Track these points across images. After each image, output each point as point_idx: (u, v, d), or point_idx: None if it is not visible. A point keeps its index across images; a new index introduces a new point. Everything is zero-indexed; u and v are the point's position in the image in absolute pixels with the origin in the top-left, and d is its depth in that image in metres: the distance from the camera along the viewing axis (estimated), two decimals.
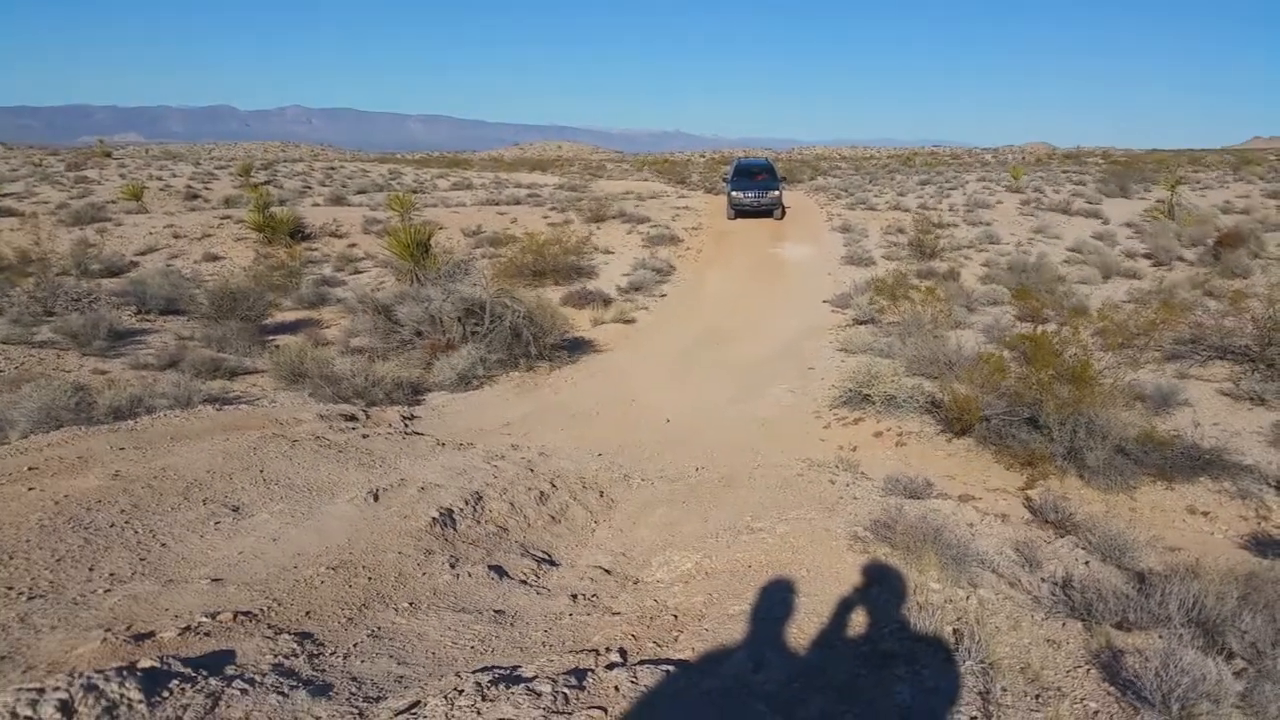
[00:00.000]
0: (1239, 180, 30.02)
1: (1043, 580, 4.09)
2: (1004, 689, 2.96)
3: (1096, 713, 2.86)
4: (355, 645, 3.23)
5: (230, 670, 2.81)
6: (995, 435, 6.79)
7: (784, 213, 23.02)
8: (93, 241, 17.05)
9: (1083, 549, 4.74)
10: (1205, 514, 5.79)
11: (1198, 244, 16.36)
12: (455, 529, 4.60)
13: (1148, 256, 16.22)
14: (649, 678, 2.77)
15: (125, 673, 2.56)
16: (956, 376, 7.64)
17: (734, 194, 22.79)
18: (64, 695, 2.38)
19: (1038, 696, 2.95)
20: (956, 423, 6.94)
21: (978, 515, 5.22)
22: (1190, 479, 6.15)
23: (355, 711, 2.62)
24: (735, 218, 22.51)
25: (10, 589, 3.45)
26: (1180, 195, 22.41)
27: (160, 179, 30.90)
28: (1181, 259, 15.73)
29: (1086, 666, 3.16)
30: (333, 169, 43.59)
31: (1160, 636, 3.31)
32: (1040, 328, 8.85)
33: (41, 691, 2.38)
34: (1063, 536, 5.04)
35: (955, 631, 3.27)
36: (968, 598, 3.62)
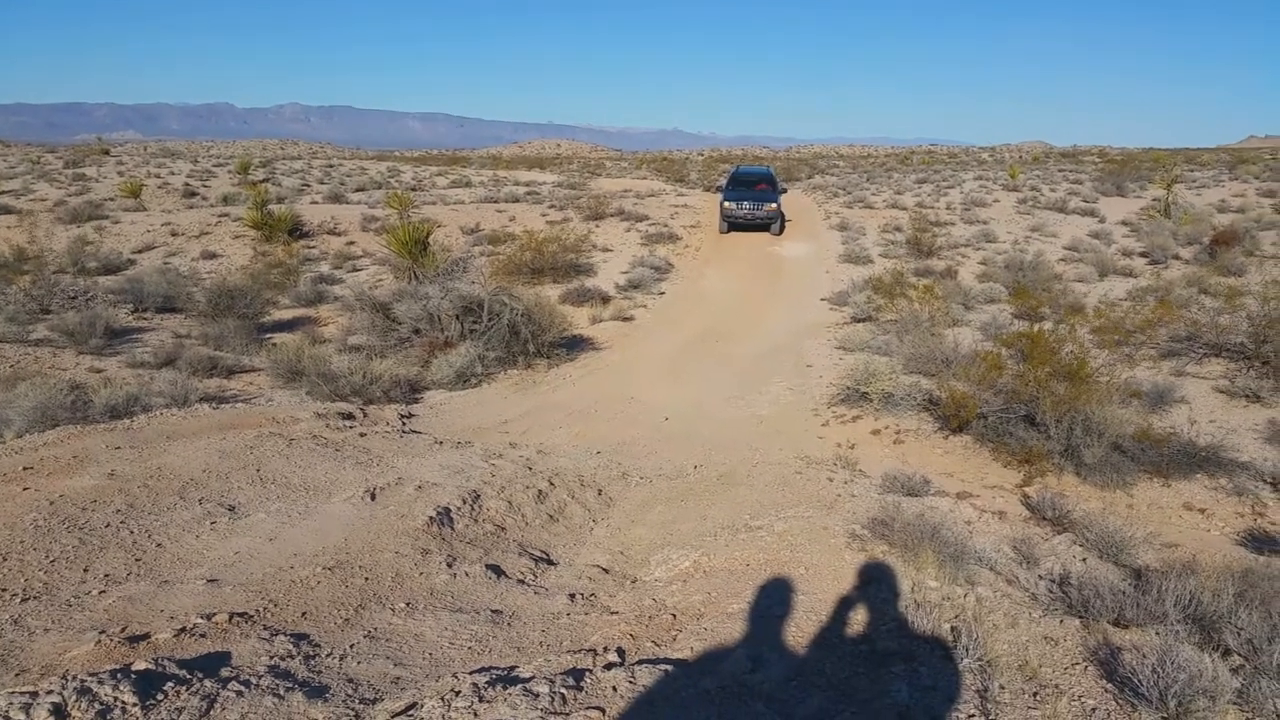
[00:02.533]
0: (1234, 179, 29.99)
1: (1040, 578, 4.08)
2: (1002, 686, 2.96)
3: (1094, 710, 2.86)
4: (352, 646, 3.22)
5: (226, 672, 2.80)
6: (992, 433, 6.79)
7: (783, 227, 20.63)
8: (90, 239, 17.01)
9: (1080, 546, 4.75)
10: (1202, 511, 5.80)
11: (1193, 242, 16.37)
12: (453, 528, 4.59)
13: (1144, 255, 16.23)
14: (647, 677, 2.76)
15: (119, 675, 2.54)
16: (954, 374, 7.64)
17: (726, 204, 20.33)
18: (57, 699, 2.36)
19: (1035, 694, 2.95)
20: (954, 420, 6.94)
21: (975, 513, 5.22)
22: (1187, 476, 6.16)
23: (351, 713, 2.61)
24: (728, 231, 20.33)
25: (3, 590, 3.44)
26: (1176, 194, 22.41)
27: (158, 176, 30.81)
28: (1177, 257, 15.74)
29: (1084, 664, 3.15)
30: (331, 167, 43.45)
31: (1157, 633, 3.32)
32: (1037, 326, 8.85)
33: (35, 695, 2.37)
34: (1060, 534, 5.04)
35: (953, 629, 3.27)
36: (965, 595, 3.62)
